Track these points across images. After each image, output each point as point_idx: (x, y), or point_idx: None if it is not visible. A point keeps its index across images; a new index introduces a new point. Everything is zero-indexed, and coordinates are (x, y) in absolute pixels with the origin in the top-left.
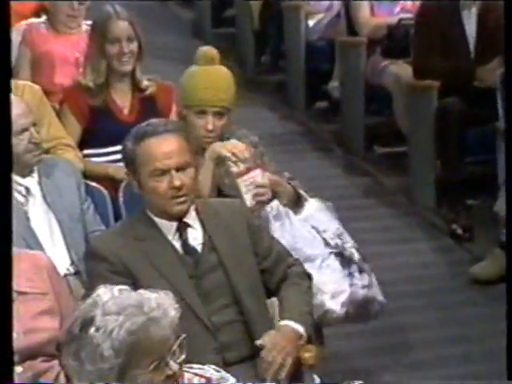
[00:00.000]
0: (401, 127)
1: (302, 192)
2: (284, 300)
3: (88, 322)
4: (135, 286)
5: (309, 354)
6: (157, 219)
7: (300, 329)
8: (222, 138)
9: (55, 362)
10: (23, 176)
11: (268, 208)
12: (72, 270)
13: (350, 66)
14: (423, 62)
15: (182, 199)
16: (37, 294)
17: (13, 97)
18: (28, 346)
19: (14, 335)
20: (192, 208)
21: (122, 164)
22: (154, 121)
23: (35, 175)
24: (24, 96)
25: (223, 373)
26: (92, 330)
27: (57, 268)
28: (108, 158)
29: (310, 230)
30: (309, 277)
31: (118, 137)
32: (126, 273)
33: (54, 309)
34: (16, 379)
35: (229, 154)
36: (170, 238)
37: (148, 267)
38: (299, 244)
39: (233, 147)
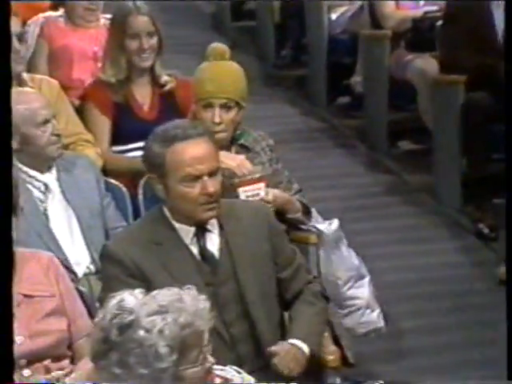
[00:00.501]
0: (426, 123)
1: (307, 204)
2: (296, 317)
3: (127, 327)
4: (149, 290)
5: (332, 357)
6: (175, 223)
7: (305, 349)
8: (236, 136)
9: (66, 362)
10: (42, 172)
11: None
12: (93, 268)
13: (374, 60)
14: (450, 56)
15: (212, 205)
16: (43, 297)
17: (30, 90)
18: (34, 350)
19: (19, 339)
20: None
21: None
22: (181, 123)
23: (54, 171)
24: (41, 90)
25: (244, 374)
26: (141, 332)
27: (62, 268)
28: (125, 155)
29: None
30: (325, 298)
31: (137, 134)
32: (141, 276)
33: (60, 310)
34: (25, 381)
35: (235, 168)
36: (187, 242)
37: (163, 273)
38: (356, 261)
39: (241, 163)
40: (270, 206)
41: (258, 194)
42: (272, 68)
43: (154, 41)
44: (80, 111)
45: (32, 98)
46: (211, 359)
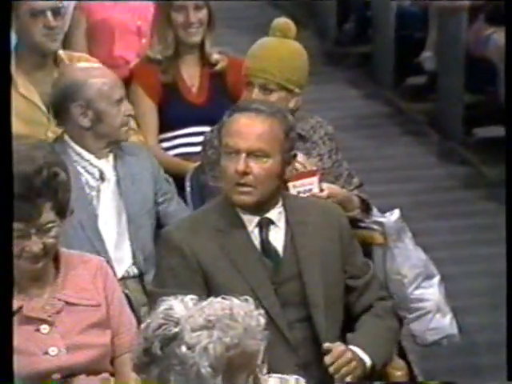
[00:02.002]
0: (507, 106)
1: (367, 200)
2: (361, 328)
3: (170, 340)
4: (207, 283)
5: (400, 373)
6: (239, 210)
7: (367, 360)
8: None
9: (105, 375)
10: (99, 158)
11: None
12: (136, 270)
13: (448, 35)
14: None
15: (244, 189)
16: (87, 306)
17: (100, 65)
18: (72, 365)
19: (53, 350)
20: (279, 203)
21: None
22: (258, 99)
23: (110, 158)
24: None
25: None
26: (183, 348)
27: (112, 273)
28: (172, 143)
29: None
30: (399, 319)
31: (184, 120)
32: (197, 269)
33: (105, 322)
34: None
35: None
36: (250, 231)
37: (226, 263)
38: (423, 256)
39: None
40: None
41: (309, 190)
42: (333, 45)
43: (203, 14)
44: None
45: (108, 72)
46: (264, 380)
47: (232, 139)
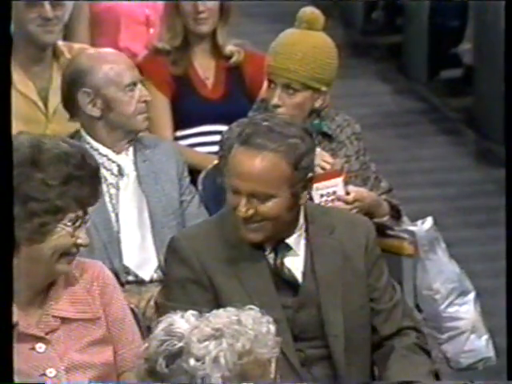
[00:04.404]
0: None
1: (398, 205)
2: (398, 367)
3: (176, 355)
4: (218, 301)
5: None
6: None
7: None
8: (315, 124)
9: None
10: (117, 152)
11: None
12: (159, 274)
13: (488, 24)
14: None
15: (252, 226)
16: (86, 321)
17: (113, 50)
18: None
19: (51, 372)
20: (299, 225)
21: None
22: (264, 119)
23: (130, 153)
24: None
25: None
26: (191, 361)
27: (111, 281)
28: (184, 143)
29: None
30: (427, 352)
31: (198, 117)
32: (207, 285)
33: (106, 337)
34: None
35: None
36: (266, 253)
37: (235, 285)
38: (458, 270)
39: (320, 159)
40: (350, 208)
41: (334, 193)
42: (360, 34)
43: (213, 2)
44: None
45: (116, 56)
46: None
47: (232, 179)
